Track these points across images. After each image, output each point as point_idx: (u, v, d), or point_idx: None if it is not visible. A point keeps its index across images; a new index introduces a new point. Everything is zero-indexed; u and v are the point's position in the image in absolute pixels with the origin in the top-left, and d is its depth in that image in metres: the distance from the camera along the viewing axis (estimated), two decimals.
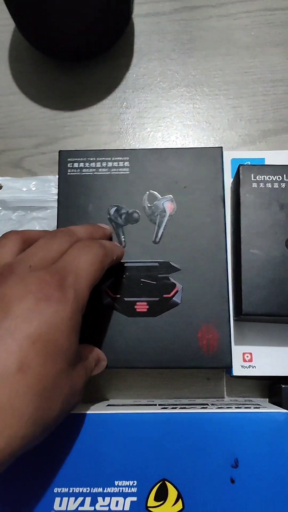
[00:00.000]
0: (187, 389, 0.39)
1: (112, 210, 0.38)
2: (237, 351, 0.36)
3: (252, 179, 0.35)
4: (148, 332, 0.36)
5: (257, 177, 0.35)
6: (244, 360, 0.36)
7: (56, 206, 0.42)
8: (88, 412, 0.31)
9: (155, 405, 0.34)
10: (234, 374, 0.36)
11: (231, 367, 0.35)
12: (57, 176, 0.42)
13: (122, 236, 0.37)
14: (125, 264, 0.37)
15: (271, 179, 0.35)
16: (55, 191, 0.42)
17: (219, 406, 0.32)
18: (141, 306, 0.36)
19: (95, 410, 0.31)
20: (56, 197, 0.42)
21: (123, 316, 0.36)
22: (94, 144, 0.44)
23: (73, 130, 0.45)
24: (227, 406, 0.33)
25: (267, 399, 0.38)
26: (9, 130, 0.45)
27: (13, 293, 0.24)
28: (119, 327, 0.36)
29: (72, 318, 0.26)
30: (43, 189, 0.42)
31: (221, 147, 0.39)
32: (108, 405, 0.35)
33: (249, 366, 0.36)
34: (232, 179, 0.39)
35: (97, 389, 0.39)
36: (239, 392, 0.39)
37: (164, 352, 0.35)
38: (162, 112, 0.45)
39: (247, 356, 0.36)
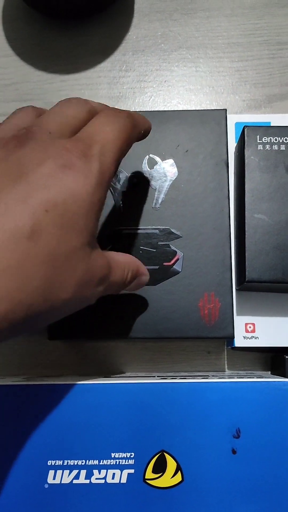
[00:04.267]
0: (187, 363, 0.38)
1: None
2: (240, 322, 0.35)
3: (258, 141, 0.34)
4: (148, 302, 0.34)
5: (263, 139, 0.34)
6: (247, 331, 0.35)
7: None
8: (82, 382, 0.29)
9: (154, 377, 0.33)
10: (236, 345, 0.35)
11: (233, 337, 0.33)
12: None
13: (120, 202, 0.36)
14: (124, 231, 0.35)
15: (277, 140, 0.33)
16: None
17: (221, 377, 0.31)
18: None
19: (90, 380, 0.30)
20: None
21: None
22: None
23: (70, 94, 0.43)
24: (229, 377, 0.31)
25: (269, 372, 0.37)
26: (2, 94, 0.43)
27: (31, 158, 0.22)
28: (118, 296, 0.34)
29: (94, 192, 0.23)
30: None
31: (225, 110, 0.37)
32: (105, 377, 0.34)
33: (252, 337, 0.35)
34: (236, 144, 0.38)
35: (94, 364, 0.38)
36: (240, 366, 0.38)
37: (164, 322, 0.34)
38: (163, 76, 0.43)
39: (250, 327, 0.35)
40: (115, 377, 0.33)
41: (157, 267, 0.35)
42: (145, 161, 0.36)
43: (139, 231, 0.35)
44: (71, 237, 0.22)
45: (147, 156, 0.36)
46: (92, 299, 0.25)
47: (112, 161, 0.24)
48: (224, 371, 0.38)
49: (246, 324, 0.35)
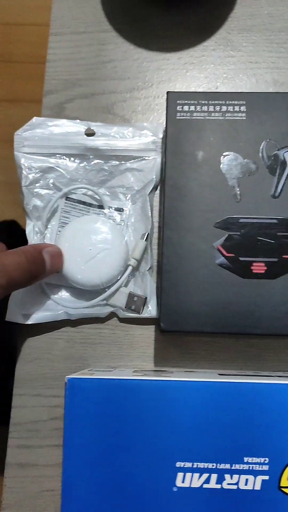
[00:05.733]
0: None
1: (226, 159, 0.34)
2: None
3: None
4: (266, 296, 0.32)
5: None
6: None
7: (153, 156, 0.38)
8: (212, 380, 0.27)
9: (280, 377, 0.31)
10: None
11: None
12: (154, 124, 0.38)
13: (237, 189, 0.33)
14: (240, 220, 0.33)
15: None
16: (152, 139, 0.38)
17: None
18: (258, 267, 0.32)
19: (221, 379, 0.28)
20: (153, 146, 0.38)
21: (238, 277, 0.32)
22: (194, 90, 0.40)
23: (171, 73, 0.40)
24: None
25: None
26: (99, 72, 0.41)
27: None
28: (233, 289, 0.32)
29: None
30: (139, 137, 0.38)
31: None
32: (220, 374, 0.32)
33: None
34: None
35: (196, 360, 0.36)
36: None
37: (284, 318, 0.32)
38: (271, 57, 0.41)
39: None
40: (232, 375, 0.31)
41: (276, 259, 0.32)
42: (264, 146, 0.34)
43: (256, 221, 0.33)
44: None
45: (266, 140, 0.34)
46: None
47: None
48: None
49: None
